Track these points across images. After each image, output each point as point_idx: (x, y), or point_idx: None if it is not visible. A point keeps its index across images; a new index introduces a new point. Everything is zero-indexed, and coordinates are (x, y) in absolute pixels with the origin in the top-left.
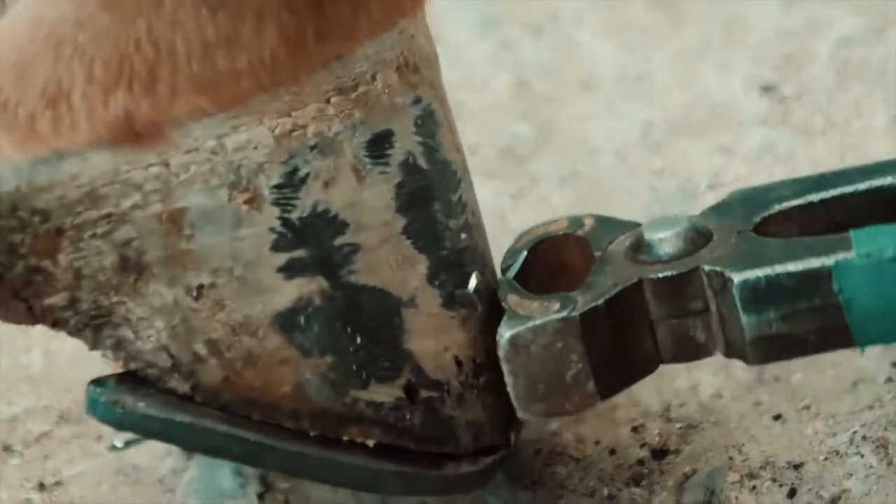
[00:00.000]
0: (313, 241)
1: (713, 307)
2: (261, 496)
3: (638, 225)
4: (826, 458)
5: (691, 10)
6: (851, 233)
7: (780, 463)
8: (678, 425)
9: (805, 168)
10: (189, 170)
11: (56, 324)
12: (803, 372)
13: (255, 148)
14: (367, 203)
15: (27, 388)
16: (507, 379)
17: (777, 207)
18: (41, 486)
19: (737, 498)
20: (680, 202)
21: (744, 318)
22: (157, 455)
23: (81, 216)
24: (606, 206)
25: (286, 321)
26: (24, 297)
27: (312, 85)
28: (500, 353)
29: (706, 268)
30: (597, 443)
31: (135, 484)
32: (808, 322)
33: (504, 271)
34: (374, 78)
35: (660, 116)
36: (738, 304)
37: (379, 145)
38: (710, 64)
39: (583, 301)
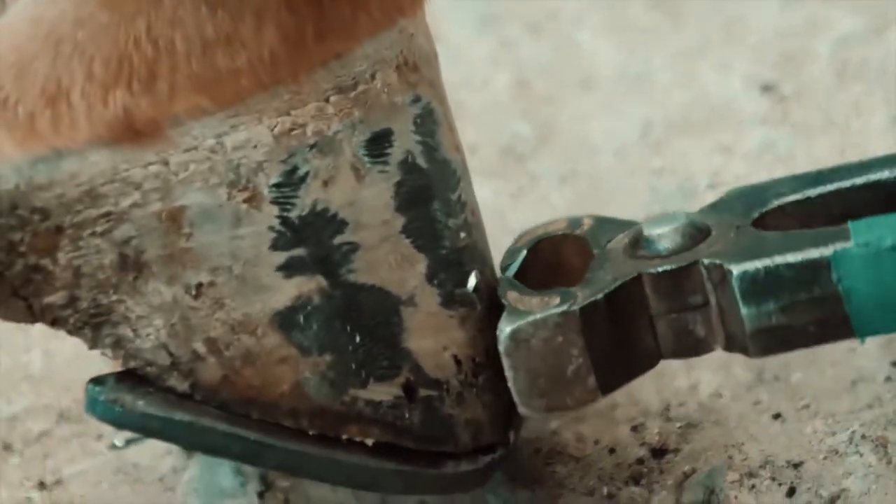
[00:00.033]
0: (312, 239)
1: (713, 301)
2: (261, 495)
3: (637, 224)
4: (825, 457)
5: (691, 9)
6: (850, 224)
7: (780, 462)
8: (678, 424)
9: (805, 167)
10: (188, 168)
11: (55, 322)
12: (803, 371)
13: (255, 147)
14: (366, 202)
15: (27, 386)
16: (508, 374)
17: (775, 203)
18: (41, 485)
19: (736, 497)
20: (680, 201)
21: (743, 311)
22: (157, 454)
23: (81, 215)
24: (606, 205)
25: (285, 320)
26: (24, 296)
27: (312, 84)
28: (501, 347)
29: (705, 261)
30: (596, 442)
31: (135, 483)
32: (807, 313)
33: (503, 270)
34: (373, 77)
35: (659, 116)
36: (738, 296)
37: (378, 144)
38: (710, 63)
39: (582, 296)
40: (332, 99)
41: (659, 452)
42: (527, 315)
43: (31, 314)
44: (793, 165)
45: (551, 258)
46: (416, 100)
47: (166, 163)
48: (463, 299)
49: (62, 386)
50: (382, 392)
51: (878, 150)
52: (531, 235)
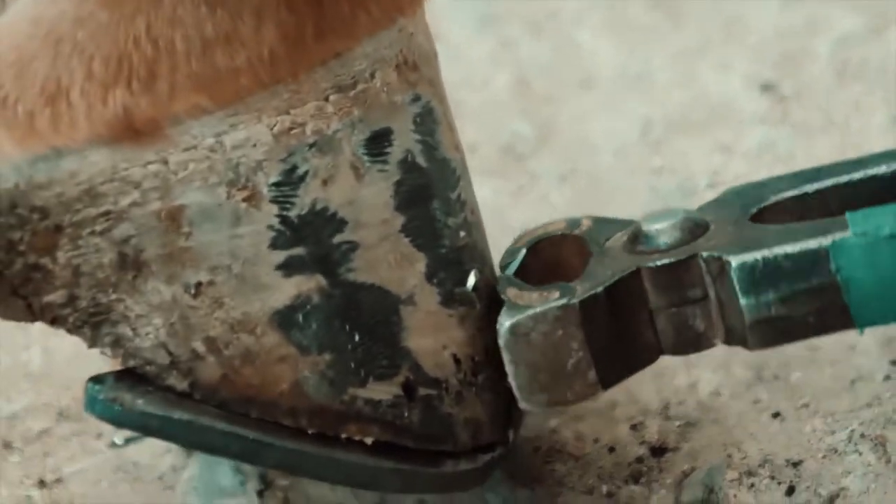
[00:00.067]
0: (312, 238)
1: (712, 294)
2: (260, 493)
3: (635, 223)
4: (824, 456)
5: (691, 9)
6: (848, 215)
7: (779, 461)
8: (677, 423)
9: (805, 167)
10: (188, 167)
11: (55, 321)
12: (802, 370)
13: (254, 146)
14: (365, 201)
15: (27, 385)
16: (509, 368)
17: (773, 199)
18: (41, 484)
19: (735, 495)
20: (679, 201)
21: (742, 302)
22: (156, 452)
23: (80, 214)
24: (606, 204)
25: (284, 319)
26: (23, 295)
27: (311, 83)
28: (501, 341)
29: (704, 254)
30: (596, 440)
31: (135, 481)
32: (807, 303)
33: (503, 270)
34: (372, 76)
35: (659, 115)
36: (737, 288)
37: (378, 143)
38: (710, 63)
39: (582, 289)
40: (332, 98)
41: (658, 451)
42: (526, 308)
43: (31, 313)
44: (793, 165)
45: (550, 258)
46: (416, 99)
47: (166, 162)
48: (462, 298)
49: (62, 384)
50: (382, 391)
51: (878, 149)
52: (530, 236)
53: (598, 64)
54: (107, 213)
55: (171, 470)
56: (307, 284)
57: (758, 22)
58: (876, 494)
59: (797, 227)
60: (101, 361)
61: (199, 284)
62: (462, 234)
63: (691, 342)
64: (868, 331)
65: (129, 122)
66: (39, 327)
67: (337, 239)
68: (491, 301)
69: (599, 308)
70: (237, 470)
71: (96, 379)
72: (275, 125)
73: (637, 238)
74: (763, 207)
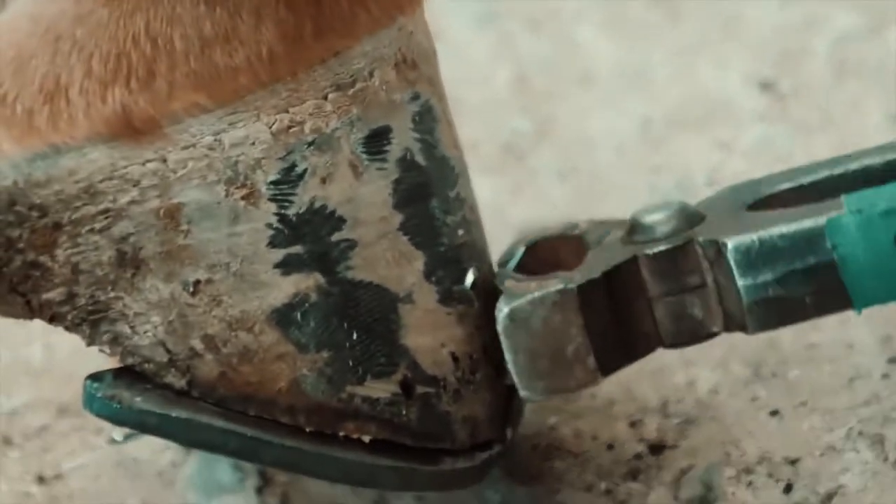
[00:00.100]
0: (310, 237)
1: (709, 280)
2: (259, 490)
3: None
4: (822, 454)
5: (690, 6)
6: (843, 196)
7: (777, 458)
8: (675, 421)
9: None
10: (186, 165)
11: (53, 318)
12: (800, 368)
13: (253, 144)
14: (364, 199)
15: (27, 380)
16: (508, 356)
17: (769, 191)
18: (41, 479)
19: (733, 493)
20: (678, 198)
21: (740, 283)
22: (156, 448)
23: (79, 211)
24: (605, 201)
25: (283, 317)
26: (22, 292)
27: (310, 81)
28: (500, 328)
29: (700, 238)
30: (594, 438)
31: (134, 477)
32: (804, 284)
33: (501, 268)
34: (371, 74)
35: (658, 112)
36: (734, 269)
37: (376, 141)
38: (709, 60)
39: (580, 276)
40: (331, 96)
41: (657, 448)
42: (525, 294)
43: (30, 310)
44: (791, 163)
45: (549, 258)
46: (415, 97)
47: (164, 160)
48: (461, 296)
49: (62, 380)
50: (380, 389)
51: None
52: (528, 238)
53: (597, 61)
54: (106, 210)
55: (170, 466)
56: (305, 282)
57: (757, 20)
58: (874, 492)
59: (793, 211)
60: (102, 358)
61: (197, 282)
62: (461, 232)
63: (690, 330)
64: (866, 328)
65: (128, 120)
66: (40, 323)
67: (335, 237)
68: (489, 299)
69: (598, 293)
70: (236, 467)
71: (95, 377)
72: (273, 123)
73: (634, 229)
74: (759, 199)
